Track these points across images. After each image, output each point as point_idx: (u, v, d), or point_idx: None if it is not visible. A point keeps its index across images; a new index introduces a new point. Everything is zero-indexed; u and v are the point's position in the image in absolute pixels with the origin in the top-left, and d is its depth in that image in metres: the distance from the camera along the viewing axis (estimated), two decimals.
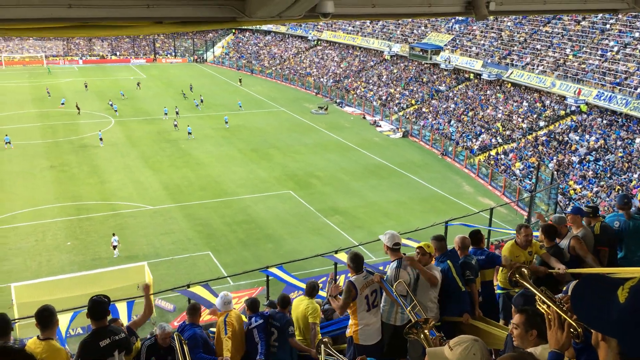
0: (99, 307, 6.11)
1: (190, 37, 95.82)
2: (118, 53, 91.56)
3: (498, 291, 8.15)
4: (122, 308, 12.15)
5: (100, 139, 44.59)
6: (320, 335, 8.36)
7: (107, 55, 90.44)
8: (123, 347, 6.26)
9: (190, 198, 34.89)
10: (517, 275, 4.30)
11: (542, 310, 3.40)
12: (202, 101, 59.96)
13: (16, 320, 13.49)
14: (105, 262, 26.48)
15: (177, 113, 53.62)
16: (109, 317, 6.59)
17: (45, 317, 5.73)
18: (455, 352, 2.83)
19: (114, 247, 27.79)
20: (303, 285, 9.44)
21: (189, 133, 47.29)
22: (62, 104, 56.24)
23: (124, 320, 10.62)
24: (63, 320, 11.88)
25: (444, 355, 2.90)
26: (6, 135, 44.17)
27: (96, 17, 3.89)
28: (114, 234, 28.41)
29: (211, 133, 49.45)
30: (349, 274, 7.11)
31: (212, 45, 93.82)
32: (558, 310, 3.04)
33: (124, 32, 4.50)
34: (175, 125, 49.49)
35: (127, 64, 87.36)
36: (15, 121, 51.19)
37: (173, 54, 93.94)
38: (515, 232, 7.97)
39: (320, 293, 12.61)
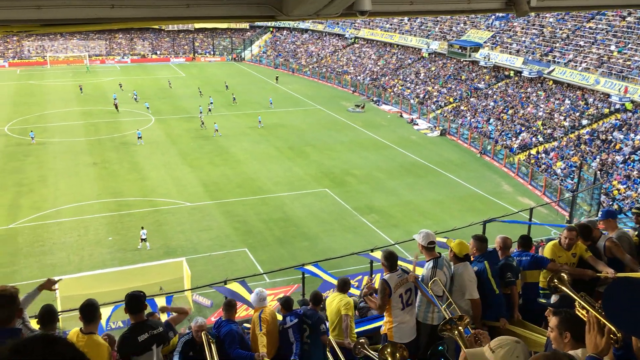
0: (136, 301, 6.23)
1: (229, 36, 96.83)
2: (158, 52, 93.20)
3: (541, 292, 7.97)
4: (161, 303, 12.34)
5: (139, 138, 45.41)
6: (354, 332, 8.37)
7: (147, 54, 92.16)
8: (161, 341, 6.37)
9: (228, 195, 35.29)
10: (555, 280, 4.21)
11: (581, 316, 3.33)
12: (234, 99, 60.73)
13: (59, 313, 13.87)
14: (145, 257, 27.05)
15: (209, 110, 54.57)
16: (147, 312, 6.71)
17: (90, 312, 5.85)
18: (497, 354, 2.79)
19: (143, 240, 28.57)
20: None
21: (216, 130, 48.07)
22: (115, 98, 57.44)
23: (162, 315, 10.80)
24: (104, 313, 12.15)
25: (485, 357, 2.86)
26: (31, 131, 45.94)
27: (138, 17, 3.98)
28: (142, 227, 29.18)
29: (248, 131, 49.90)
30: (384, 273, 7.09)
31: (250, 44, 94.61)
32: (597, 315, 2.97)
33: (159, 22, 4.60)
34: (202, 124, 50.24)
35: (167, 62, 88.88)
36: (60, 119, 52.71)
37: (212, 52, 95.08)
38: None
39: (352, 291, 12.59)
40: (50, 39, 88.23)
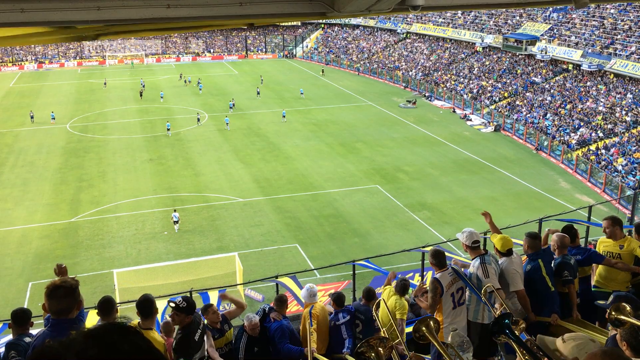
0: (190, 307, 6.41)
1: (280, 33, 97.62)
2: (212, 50, 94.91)
3: (594, 290, 7.75)
4: (214, 296, 12.58)
5: (168, 130, 47.68)
6: (404, 335, 8.31)
7: (201, 52, 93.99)
8: (204, 330, 6.64)
9: (279, 191, 35.60)
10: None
11: None
12: (258, 93, 62.25)
13: (118, 304, 14.32)
14: (198, 252, 27.62)
15: (233, 105, 56.20)
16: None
17: (146, 307, 6.01)
18: (567, 345, 2.75)
19: (175, 222, 29.48)
20: None
21: (227, 123, 49.52)
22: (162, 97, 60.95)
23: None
24: (160, 306, 12.47)
25: (555, 345, 2.82)
26: (52, 112, 52.65)
27: (192, 16, 4.05)
28: (175, 210, 30.23)
29: (299, 127, 50.21)
30: (434, 271, 7.00)
31: (302, 41, 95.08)
32: None
33: (215, 26, 4.66)
34: (198, 120, 51.38)
35: (220, 60, 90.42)
36: (119, 116, 54.45)
37: (264, 50, 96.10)
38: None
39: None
40: (108, 39, 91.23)
